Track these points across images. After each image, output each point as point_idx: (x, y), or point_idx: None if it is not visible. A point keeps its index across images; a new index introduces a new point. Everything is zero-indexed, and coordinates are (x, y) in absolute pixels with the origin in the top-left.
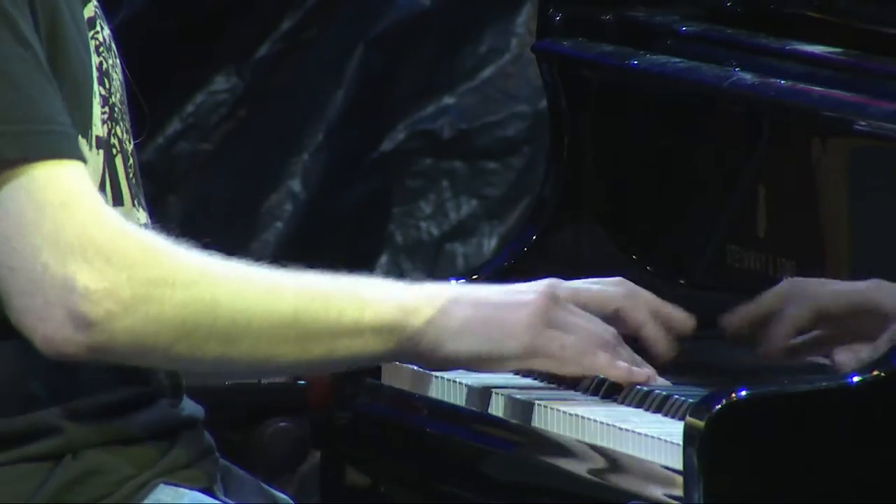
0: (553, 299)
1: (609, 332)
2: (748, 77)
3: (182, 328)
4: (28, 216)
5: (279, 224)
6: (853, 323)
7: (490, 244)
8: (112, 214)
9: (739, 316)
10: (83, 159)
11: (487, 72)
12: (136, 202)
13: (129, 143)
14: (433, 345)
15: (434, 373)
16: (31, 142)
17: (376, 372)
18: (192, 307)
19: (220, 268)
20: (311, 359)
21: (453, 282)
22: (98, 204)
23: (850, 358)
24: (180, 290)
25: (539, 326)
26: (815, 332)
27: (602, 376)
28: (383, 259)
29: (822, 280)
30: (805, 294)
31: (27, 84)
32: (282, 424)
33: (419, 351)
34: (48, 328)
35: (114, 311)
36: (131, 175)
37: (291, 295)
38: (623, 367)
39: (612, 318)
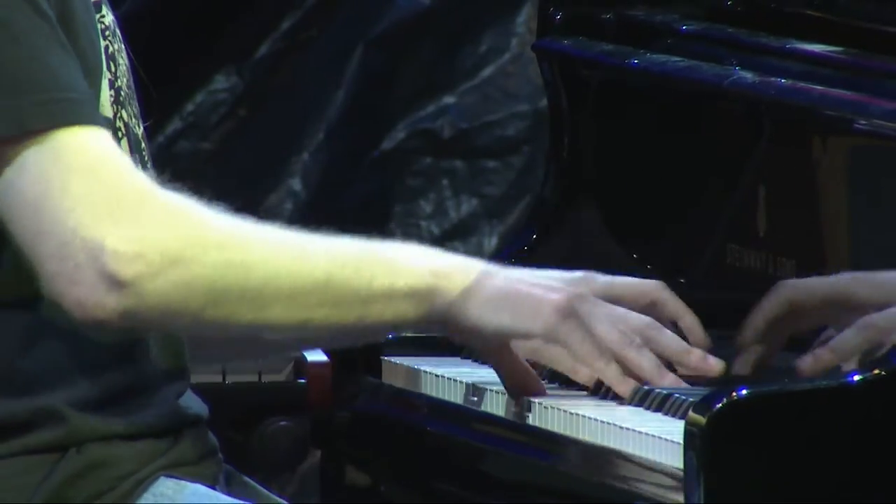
0: (584, 294)
1: (643, 322)
2: (748, 76)
3: (212, 291)
4: (56, 180)
5: (279, 224)
6: (828, 316)
7: (490, 244)
8: (140, 176)
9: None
10: (105, 125)
11: (487, 71)
12: None
13: (139, 127)
14: (461, 311)
15: (433, 371)
16: (55, 109)
17: (376, 371)
18: (223, 269)
19: (251, 230)
20: (343, 324)
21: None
22: (126, 166)
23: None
24: (211, 252)
25: (566, 313)
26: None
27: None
28: None
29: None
30: (784, 291)
31: (48, 54)
32: (282, 424)
33: (447, 317)
34: (80, 292)
35: (144, 272)
36: (138, 159)
37: (323, 259)
38: (630, 385)
39: (648, 310)
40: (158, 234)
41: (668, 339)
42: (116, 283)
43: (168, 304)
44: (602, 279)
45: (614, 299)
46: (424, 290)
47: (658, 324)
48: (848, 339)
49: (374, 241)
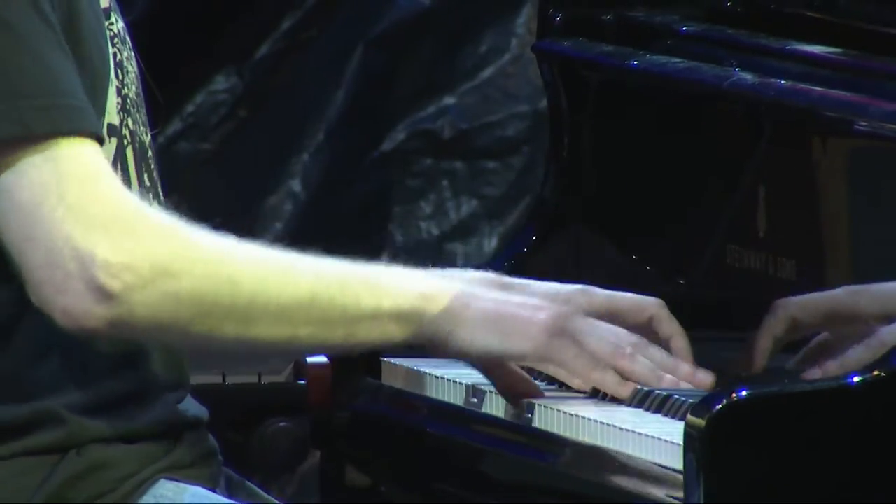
0: (576, 308)
1: (631, 338)
2: (748, 77)
3: (200, 305)
4: (52, 187)
5: (279, 224)
6: (834, 329)
7: (490, 244)
8: (131, 193)
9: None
10: (101, 137)
11: (487, 72)
12: (146, 195)
13: (146, 135)
14: (447, 333)
15: (433, 372)
16: (56, 115)
17: (376, 372)
18: (211, 284)
19: (239, 248)
20: (330, 342)
21: (476, 271)
22: (118, 181)
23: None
24: (199, 267)
25: (555, 332)
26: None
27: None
28: (383, 259)
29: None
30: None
31: (50, 59)
32: (282, 424)
33: (433, 338)
34: (68, 301)
35: (132, 283)
36: (143, 168)
37: (309, 278)
38: (630, 387)
39: (644, 326)
40: (149, 247)
41: (657, 353)
42: (105, 294)
43: (156, 316)
44: (601, 293)
45: (614, 312)
46: (410, 311)
47: (646, 340)
48: (859, 357)
49: (362, 263)
